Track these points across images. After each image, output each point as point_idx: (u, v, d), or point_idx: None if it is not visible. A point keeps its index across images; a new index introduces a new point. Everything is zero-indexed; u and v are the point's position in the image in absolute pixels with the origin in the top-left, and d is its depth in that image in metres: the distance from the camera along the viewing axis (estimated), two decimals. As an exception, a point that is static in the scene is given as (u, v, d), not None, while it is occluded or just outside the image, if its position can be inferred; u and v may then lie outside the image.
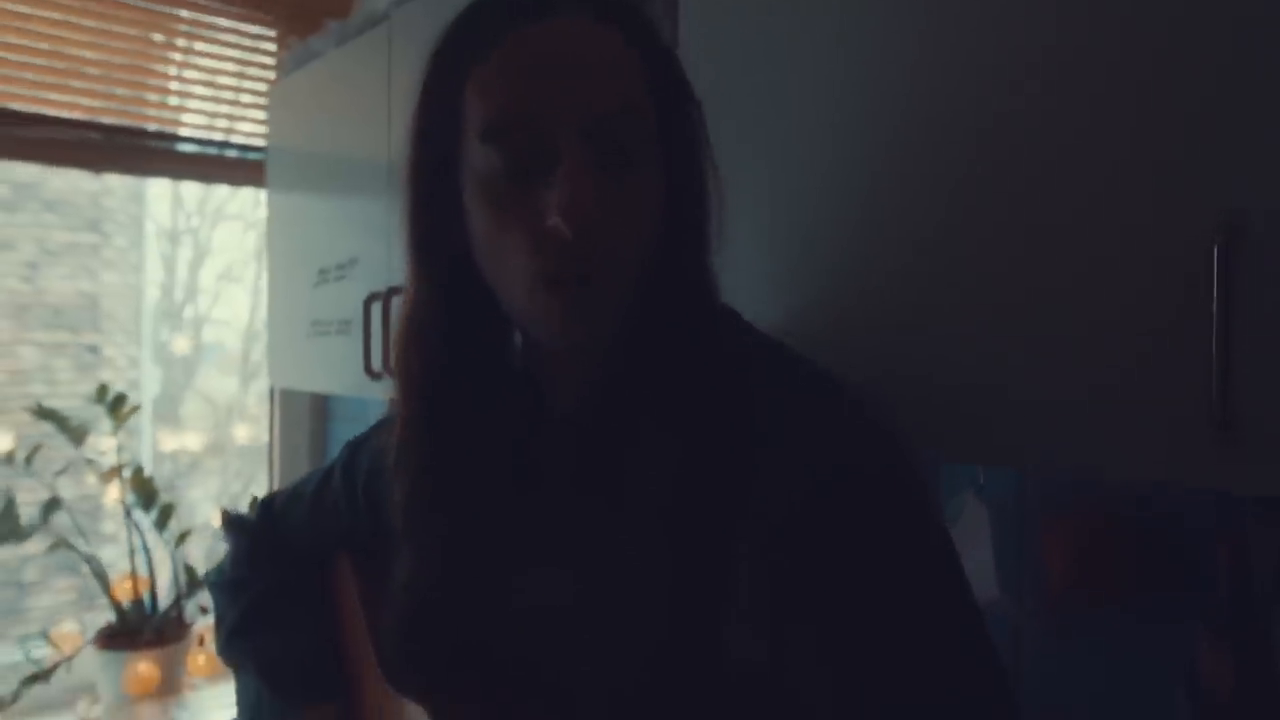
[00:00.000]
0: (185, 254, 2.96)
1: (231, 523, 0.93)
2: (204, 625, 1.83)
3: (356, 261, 1.49)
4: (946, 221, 0.71)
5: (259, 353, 2.80)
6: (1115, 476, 0.69)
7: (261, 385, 2.21)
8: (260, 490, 2.01)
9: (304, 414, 1.94)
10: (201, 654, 1.81)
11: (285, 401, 1.93)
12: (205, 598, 1.82)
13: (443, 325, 0.64)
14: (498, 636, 0.67)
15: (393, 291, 1.37)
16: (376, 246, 1.43)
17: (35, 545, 1.78)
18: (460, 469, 0.66)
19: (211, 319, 2.96)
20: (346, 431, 1.82)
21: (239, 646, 0.83)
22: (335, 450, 1.91)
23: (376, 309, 1.38)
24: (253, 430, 2.00)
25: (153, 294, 2.80)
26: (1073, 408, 0.65)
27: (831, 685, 0.56)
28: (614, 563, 0.62)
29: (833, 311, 0.79)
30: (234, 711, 1.61)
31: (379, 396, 1.41)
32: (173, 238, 2.95)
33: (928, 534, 0.59)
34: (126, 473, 1.75)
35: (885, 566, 0.57)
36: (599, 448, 0.64)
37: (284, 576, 0.87)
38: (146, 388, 2.68)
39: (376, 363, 1.38)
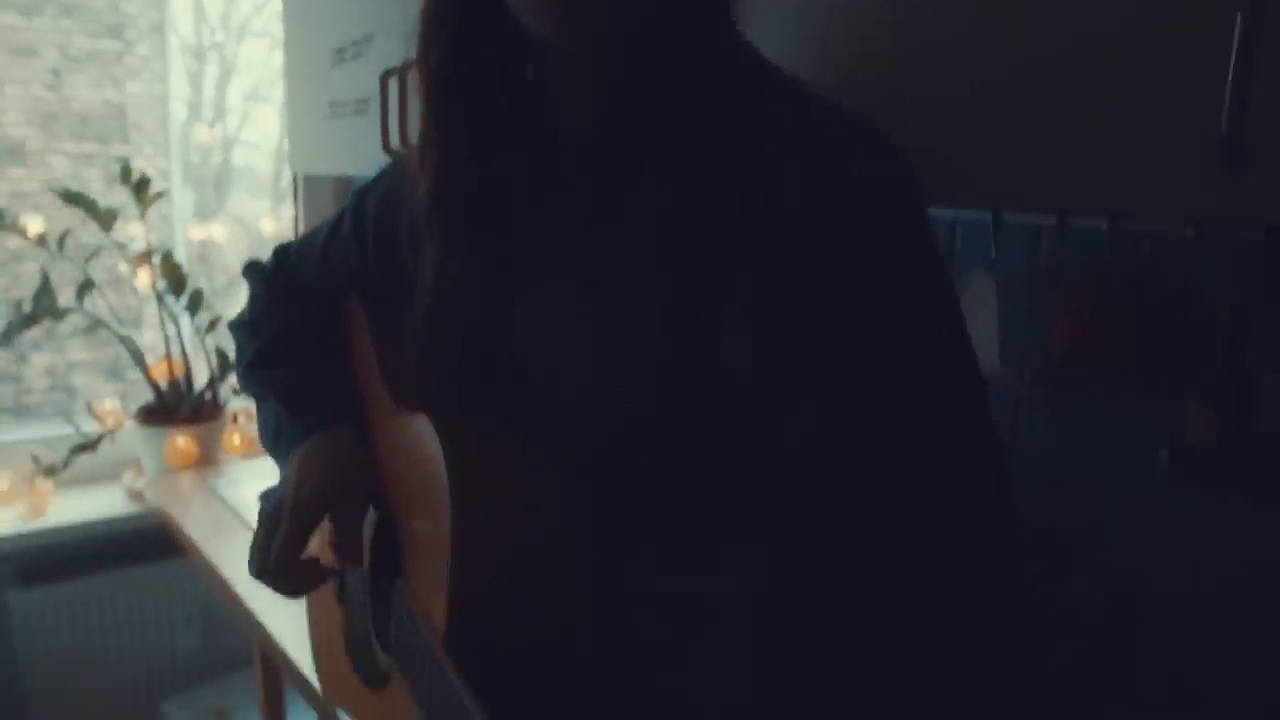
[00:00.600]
0: (212, 71, 2.92)
1: (251, 269, 0.96)
2: (237, 406, 1.92)
3: (372, 38, 1.46)
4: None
5: (290, 175, 2.80)
6: (1124, 209, 0.69)
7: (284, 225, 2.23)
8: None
9: (327, 202, 1.96)
10: (236, 433, 1.91)
11: (309, 190, 1.94)
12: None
13: (456, 14, 0.65)
14: (503, 349, 0.70)
15: (408, 66, 1.34)
16: (392, 21, 1.40)
17: (71, 327, 1.85)
18: (476, 169, 0.68)
19: (241, 140, 2.94)
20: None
21: (259, 376, 0.88)
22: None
23: (394, 85, 1.36)
24: (279, 225, 2.03)
25: (179, 111, 2.78)
26: (1081, 144, 0.65)
27: (816, 399, 0.59)
28: (620, 278, 0.64)
29: (833, 53, 0.78)
30: (268, 482, 1.71)
31: (397, 175, 1.41)
32: (198, 54, 2.89)
33: (932, 260, 0.61)
34: (156, 259, 1.80)
35: (887, 282, 0.59)
36: (608, 163, 0.65)
37: (299, 316, 0.90)
38: (178, 205, 2.70)
39: (395, 140, 1.38)
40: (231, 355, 1.87)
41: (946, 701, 0.59)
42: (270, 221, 2.05)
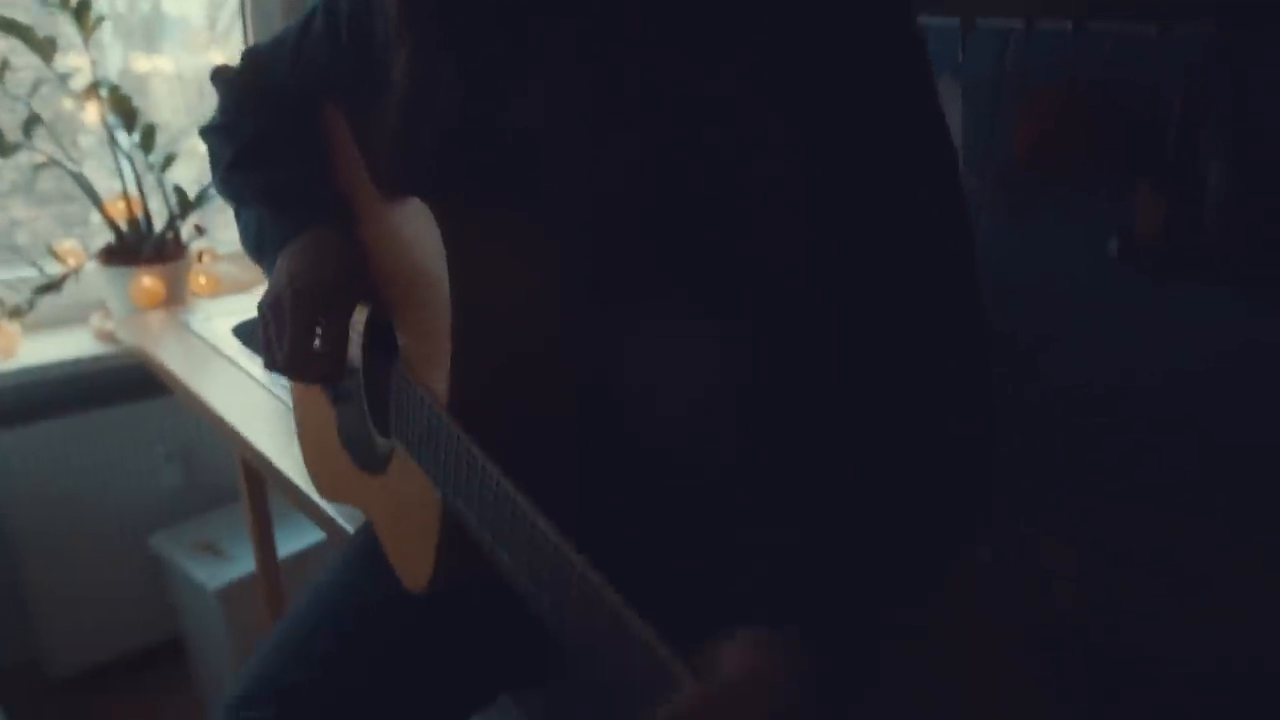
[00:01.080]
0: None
1: (220, 74, 0.95)
2: (201, 245, 1.90)
3: None
4: None
5: (227, 17, 2.62)
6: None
7: (232, 50, 2.11)
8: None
9: (276, 19, 1.88)
10: (203, 274, 1.89)
11: (256, 11, 1.87)
12: (200, 217, 1.87)
13: None
14: (485, 138, 0.71)
15: None
16: None
17: (19, 169, 1.80)
18: None
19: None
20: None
21: (238, 179, 0.88)
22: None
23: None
24: (229, 54, 1.95)
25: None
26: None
27: (798, 180, 0.61)
28: (604, 62, 0.65)
29: None
30: (241, 316, 1.72)
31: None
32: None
33: (913, 49, 0.62)
34: (104, 92, 1.73)
35: (869, 66, 0.61)
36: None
37: (275, 119, 0.90)
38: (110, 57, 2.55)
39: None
40: (191, 193, 1.84)
41: (911, 481, 0.61)
42: (219, 54, 1.96)
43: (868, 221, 0.62)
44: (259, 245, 0.86)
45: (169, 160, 1.81)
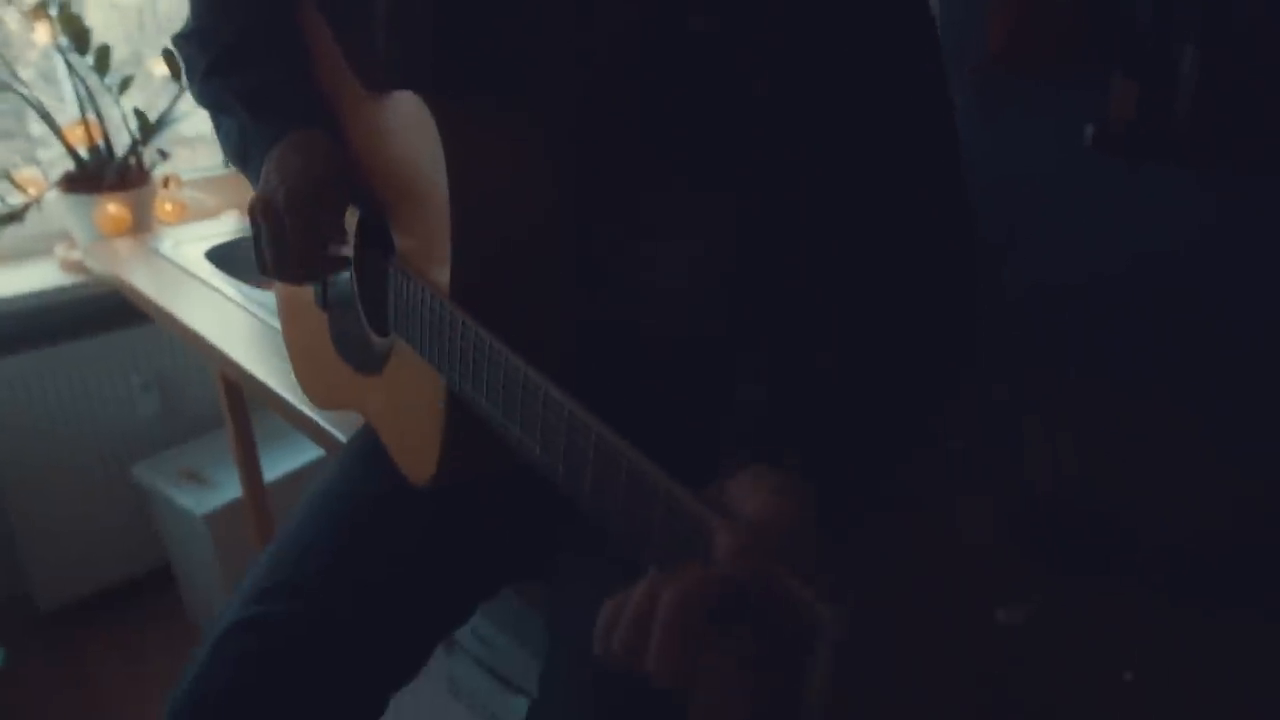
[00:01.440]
0: None
1: (190, -25, 0.92)
2: (165, 171, 1.86)
3: None
4: None
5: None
6: None
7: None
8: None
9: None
10: (169, 201, 1.86)
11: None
12: (163, 142, 1.83)
13: None
14: (471, 25, 0.71)
15: None
16: None
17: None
18: None
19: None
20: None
21: (217, 84, 0.87)
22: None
23: None
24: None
25: None
26: None
27: (781, 62, 0.62)
28: None
29: None
30: (212, 241, 1.69)
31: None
32: None
33: None
34: (53, 10, 1.67)
35: None
36: None
37: (251, 21, 0.88)
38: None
39: None
40: (152, 116, 1.79)
41: (899, 326, 0.63)
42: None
43: (857, 99, 0.63)
44: (243, 151, 0.85)
45: (125, 83, 1.76)
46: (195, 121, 1.88)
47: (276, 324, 1.38)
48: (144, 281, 1.55)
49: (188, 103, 1.82)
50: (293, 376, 1.06)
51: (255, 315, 1.43)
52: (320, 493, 0.87)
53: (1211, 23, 0.88)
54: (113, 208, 1.72)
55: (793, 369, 0.59)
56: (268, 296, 1.52)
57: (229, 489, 1.81)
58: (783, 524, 0.43)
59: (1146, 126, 0.91)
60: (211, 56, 0.87)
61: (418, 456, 0.76)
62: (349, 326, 0.89)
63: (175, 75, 1.73)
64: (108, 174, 1.75)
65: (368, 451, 0.88)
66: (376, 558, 0.81)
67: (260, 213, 0.77)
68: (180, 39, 0.92)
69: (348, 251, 0.82)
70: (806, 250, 0.66)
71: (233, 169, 2.04)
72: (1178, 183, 0.96)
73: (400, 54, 0.73)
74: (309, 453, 1.91)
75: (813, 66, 0.63)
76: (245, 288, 1.54)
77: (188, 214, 1.88)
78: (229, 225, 1.85)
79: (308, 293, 0.96)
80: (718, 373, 0.69)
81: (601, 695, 0.67)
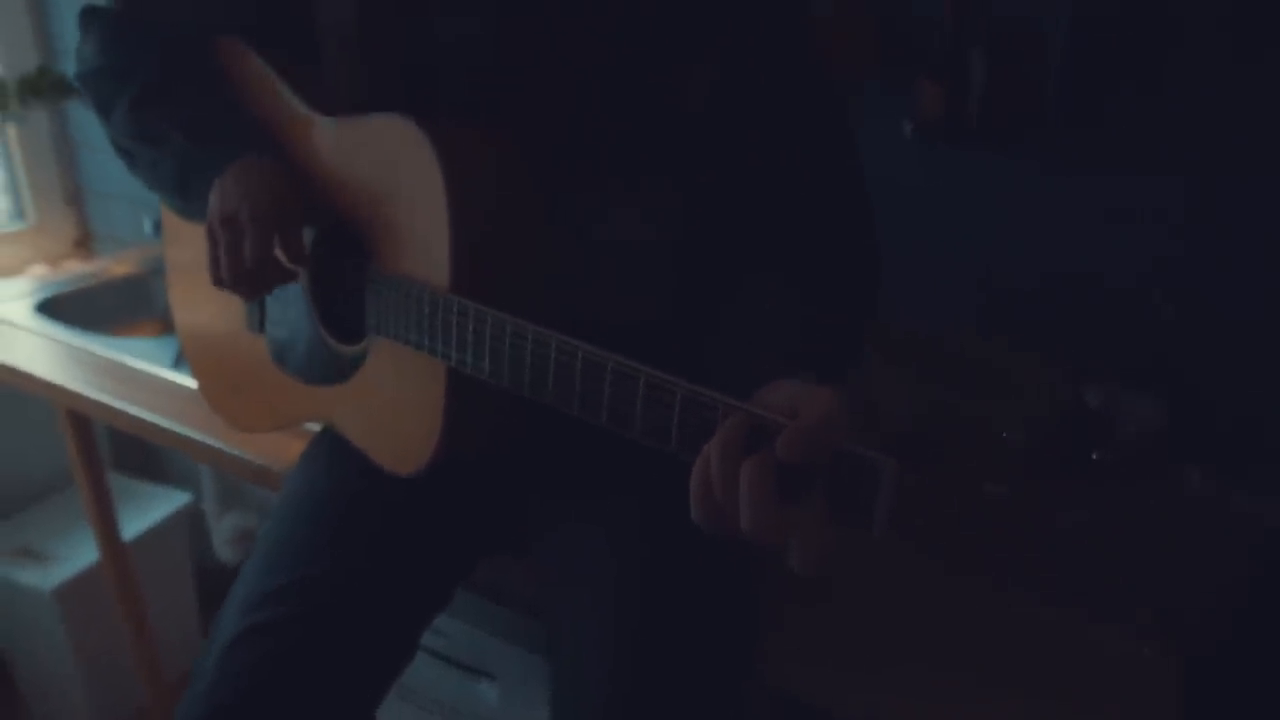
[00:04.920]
0: None
1: (93, 14, 0.92)
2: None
3: None
4: None
5: None
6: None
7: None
8: None
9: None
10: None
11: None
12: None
13: None
14: (427, 51, 0.79)
15: None
16: None
17: None
18: None
19: None
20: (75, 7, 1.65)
21: (145, 116, 0.87)
22: (63, 28, 1.75)
23: None
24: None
25: None
26: None
27: (718, 50, 0.76)
28: None
29: None
30: (35, 296, 1.58)
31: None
32: None
33: None
34: None
35: None
36: None
37: (172, 53, 0.89)
38: None
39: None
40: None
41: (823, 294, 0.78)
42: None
43: (777, 98, 0.78)
44: (181, 182, 0.85)
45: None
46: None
47: (127, 360, 1.37)
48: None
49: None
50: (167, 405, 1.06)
51: (103, 356, 1.39)
52: (296, 497, 0.89)
53: (994, 33, 1.12)
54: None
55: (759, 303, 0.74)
56: (115, 340, 1.46)
57: (73, 559, 1.69)
58: (830, 408, 0.55)
59: (952, 120, 1.14)
60: (138, 88, 0.87)
61: (408, 445, 0.82)
62: (297, 342, 0.92)
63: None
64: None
65: (333, 454, 0.92)
66: (364, 550, 0.85)
67: (221, 226, 0.79)
68: (89, 76, 0.91)
69: (303, 265, 0.86)
70: (738, 234, 0.80)
71: (30, 223, 1.91)
72: (979, 161, 1.19)
73: (373, 77, 0.79)
74: (161, 508, 1.82)
75: (742, 74, 0.76)
76: (86, 334, 1.47)
77: (-6, 270, 1.74)
78: (38, 281, 1.73)
79: (227, 324, 0.98)
80: (679, 347, 0.81)
81: (627, 633, 0.76)
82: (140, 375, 1.33)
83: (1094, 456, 0.67)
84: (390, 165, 0.78)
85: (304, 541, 0.85)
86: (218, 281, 0.82)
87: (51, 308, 1.56)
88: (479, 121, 0.78)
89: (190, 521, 1.88)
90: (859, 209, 0.82)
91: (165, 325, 1.68)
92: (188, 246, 1.00)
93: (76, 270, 1.79)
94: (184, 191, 0.86)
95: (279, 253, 0.81)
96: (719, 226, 0.81)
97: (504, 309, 0.70)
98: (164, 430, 1.19)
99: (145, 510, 1.80)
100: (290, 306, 0.92)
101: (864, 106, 1.21)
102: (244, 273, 0.80)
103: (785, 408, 0.56)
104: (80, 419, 1.44)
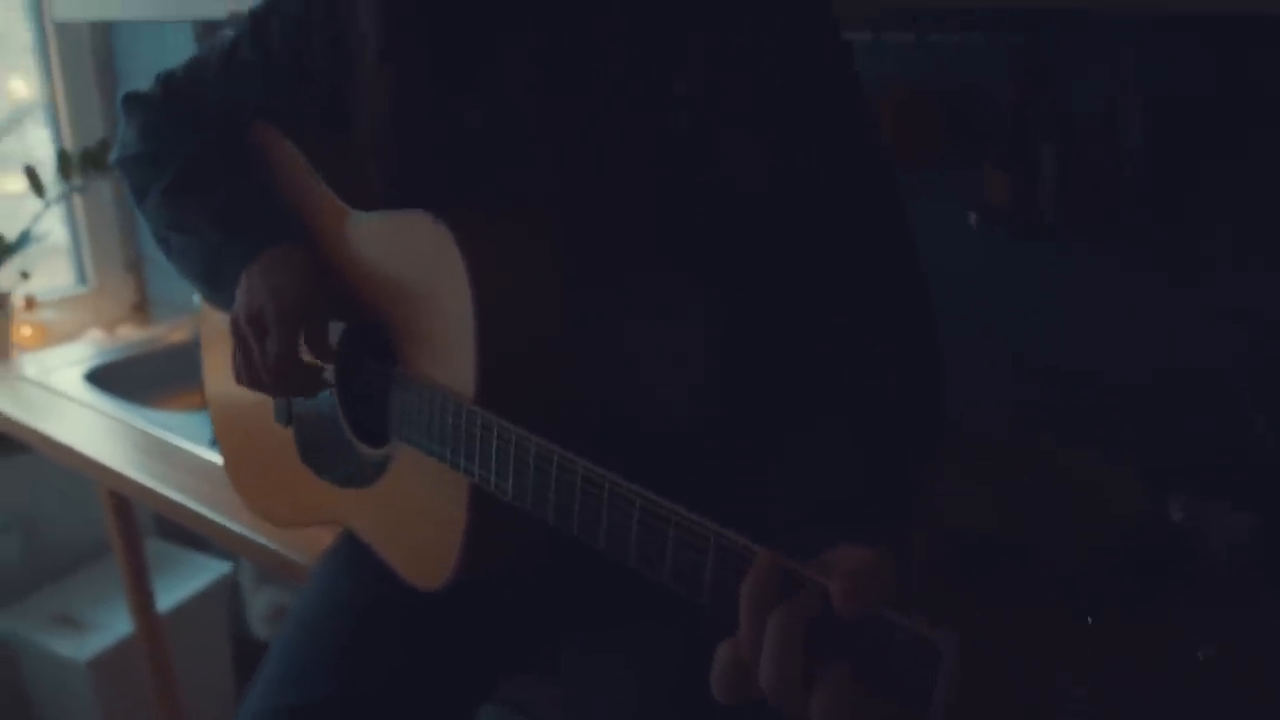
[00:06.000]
0: None
1: (136, 100, 0.92)
2: (23, 294, 1.74)
3: None
4: None
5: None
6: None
7: None
8: (44, 146, 1.85)
9: (86, 62, 1.78)
10: (27, 324, 1.74)
11: (65, 47, 1.75)
12: (23, 262, 1.72)
13: None
14: (463, 147, 0.76)
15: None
16: None
17: None
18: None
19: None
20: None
21: (181, 204, 0.86)
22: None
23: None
24: (31, 87, 1.79)
25: None
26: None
27: (768, 161, 0.70)
28: (580, 66, 0.71)
29: None
30: (86, 364, 1.60)
31: (217, 14, 1.33)
32: None
33: (839, 40, 0.73)
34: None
35: (817, 68, 0.71)
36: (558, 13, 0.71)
37: (211, 140, 0.89)
38: None
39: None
40: (9, 237, 1.68)
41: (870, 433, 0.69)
42: (22, 84, 1.80)
43: (825, 199, 0.72)
44: (212, 270, 0.84)
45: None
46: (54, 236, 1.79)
47: (168, 437, 1.35)
48: (12, 408, 1.45)
49: (48, 219, 1.73)
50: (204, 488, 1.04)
51: (145, 431, 1.38)
52: (309, 609, 0.85)
53: (1061, 124, 1.05)
54: (-33, 336, 1.60)
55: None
56: (158, 414, 1.46)
57: (111, 628, 1.68)
58: (874, 560, 0.49)
59: (1019, 209, 1.07)
60: (173, 174, 0.87)
61: (429, 560, 0.77)
62: (323, 440, 0.89)
63: (39, 192, 1.65)
64: (-41, 300, 1.63)
65: (352, 562, 0.87)
66: (379, 669, 0.80)
67: (247, 323, 0.77)
68: (127, 162, 0.91)
69: (329, 363, 0.83)
70: (791, 336, 0.74)
71: (90, 287, 1.94)
72: (1049, 251, 1.12)
73: (404, 171, 0.76)
74: (201, 577, 1.80)
75: (789, 166, 0.71)
76: (131, 406, 1.47)
77: (47, 337, 1.77)
78: (94, 347, 1.75)
79: (257, 409, 0.95)
80: (719, 460, 0.75)
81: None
82: (181, 454, 1.32)
83: (1199, 656, 0.58)
84: (418, 266, 0.74)
85: (316, 659, 0.80)
86: (245, 383, 0.79)
87: (101, 377, 1.57)
88: (508, 213, 0.74)
89: (229, 593, 1.85)
90: (919, 326, 0.74)
91: (211, 396, 1.68)
92: (219, 331, 0.98)
93: (131, 336, 1.81)
94: (213, 280, 0.85)
95: (304, 349, 0.78)
96: (764, 332, 0.75)
97: (533, 417, 0.65)
98: (196, 515, 1.16)
99: (185, 579, 1.79)
100: (318, 401, 0.89)
101: (922, 191, 1.16)
102: (268, 372, 0.77)
103: (826, 559, 0.50)
104: (120, 494, 1.43)
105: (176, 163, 0.87)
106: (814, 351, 0.73)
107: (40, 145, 1.83)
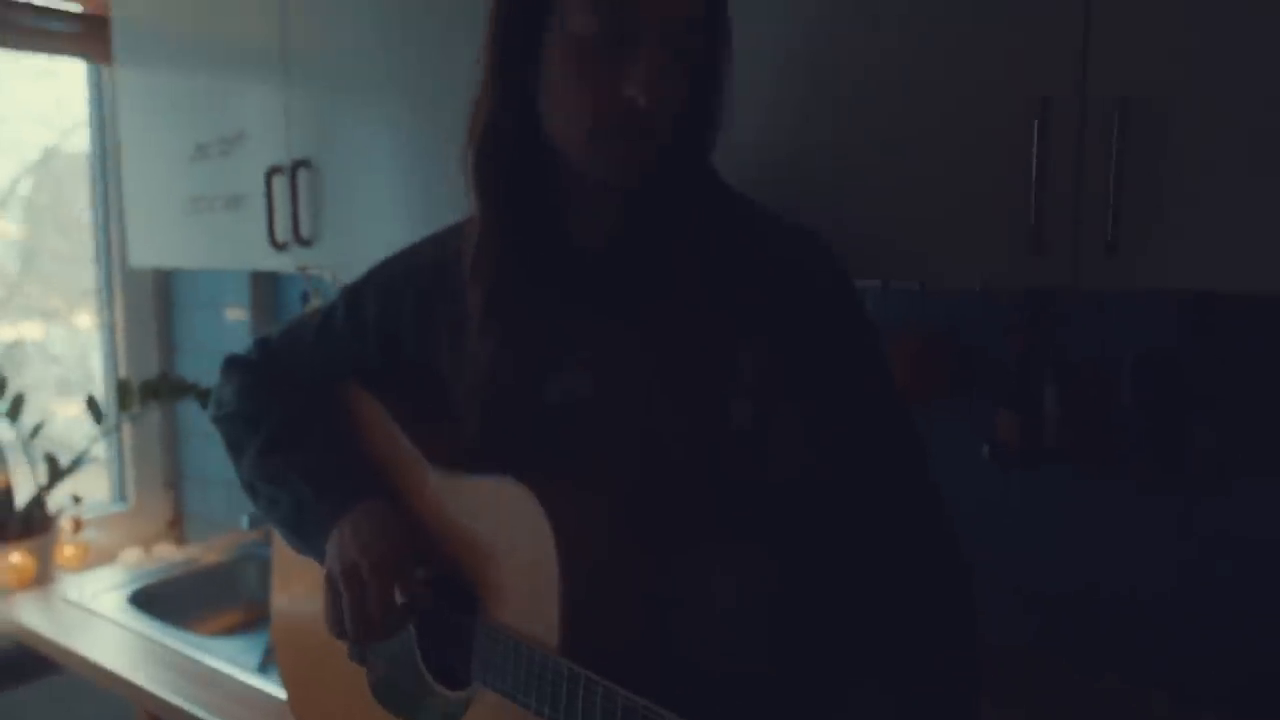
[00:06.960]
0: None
1: (236, 362, 1.02)
2: (71, 514, 1.80)
3: (244, 136, 1.51)
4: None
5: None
6: (968, 283, 0.98)
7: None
8: (97, 382, 1.97)
9: (147, 295, 1.92)
10: (70, 545, 1.79)
11: (129, 286, 1.89)
12: (72, 486, 1.79)
13: (511, 141, 0.79)
14: (542, 419, 0.85)
15: (298, 165, 1.42)
16: (268, 121, 1.47)
17: None
18: (520, 280, 0.83)
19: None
20: (196, 313, 1.83)
21: (275, 462, 0.93)
22: (184, 332, 1.92)
23: (281, 182, 1.43)
24: (93, 321, 1.92)
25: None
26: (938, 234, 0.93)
27: (812, 444, 0.80)
28: (628, 364, 0.81)
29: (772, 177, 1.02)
30: (128, 587, 1.64)
31: (286, 268, 1.47)
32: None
33: (869, 325, 0.85)
34: (-32, 365, 1.67)
35: (851, 357, 0.82)
36: (618, 275, 0.83)
37: (303, 403, 0.98)
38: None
39: (282, 233, 1.44)
40: (62, 461, 1.76)
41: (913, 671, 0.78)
42: (86, 316, 1.94)
43: (858, 460, 0.81)
44: (299, 524, 0.91)
45: (37, 429, 1.74)
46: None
47: (203, 659, 1.38)
48: (54, 631, 1.48)
49: (99, 445, 1.81)
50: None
51: (188, 656, 1.40)
52: None
53: (1061, 370, 1.18)
54: (16, 558, 1.64)
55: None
56: (194, 636, 1.49)
57: None
58: None
59: (1027, 445, 1.17)
60: (268, 433, 0.94)
61: (506, 806, 0.80)
62: (398, 679, 0.93)
63: (98, 419, 1.74)
64: (12, 523, 1.68)
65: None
66: None
67: (345, 582, 0.83)
68: (225, 420, 0.99)
69: (423, 605, 0.88)
70: (826, 594, 0.81)
71: (128, 505, 2.00)
72: (1054, 479, 1.22)
73: (496, 435, 0.85)
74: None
75: (834, 446, 0.80)
76: (169, 629, 1.50)
77: (89, 557, 1.81)
78: (132, 569, 1.79)
79: (327, 641, 1.00)
80: (774, 704, 0.81)
81: None
82: (228, 681, 1.34)
83: None
84: (504, 525, 0.82)
85: None
86: (340, 634, 0.85)
87: (143, 599, 1.61)
88: (584, 481, 0.82)
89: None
90: (953, 578, 0.82)
91: (251, 614, 1.71)
92: (291, 559, 1.04)
93: (170, 556, 1.85)
94: (299, 532, 0.91)
95: (398, 597, 0.84)
96: (810, 587, 0.83)
97: (609, 664, 0.71)
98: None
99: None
100: (394, 643, 0.94)
101: (933, 426, 1.26)
102: (363, 623, 0.83)
103: None
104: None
105: (272, 423, 0.95)
106: (856, 605, 0.81)
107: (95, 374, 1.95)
